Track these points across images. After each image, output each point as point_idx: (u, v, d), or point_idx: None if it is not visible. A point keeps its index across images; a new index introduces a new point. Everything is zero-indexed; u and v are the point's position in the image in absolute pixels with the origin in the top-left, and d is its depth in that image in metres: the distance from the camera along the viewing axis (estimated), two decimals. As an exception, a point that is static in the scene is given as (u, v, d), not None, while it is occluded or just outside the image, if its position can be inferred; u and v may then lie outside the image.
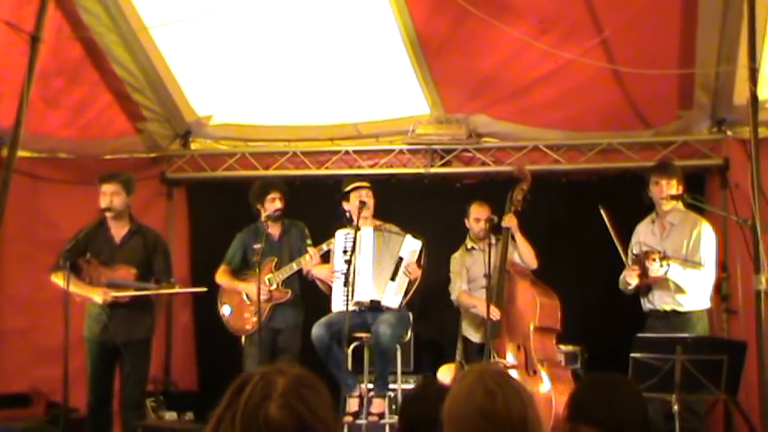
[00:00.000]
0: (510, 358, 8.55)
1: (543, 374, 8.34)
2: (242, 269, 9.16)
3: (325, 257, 8.90)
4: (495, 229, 8.90)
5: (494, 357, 8.50)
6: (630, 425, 3.84)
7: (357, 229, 8.59)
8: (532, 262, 8.88)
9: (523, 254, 8.86)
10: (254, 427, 2.42)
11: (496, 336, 8.59)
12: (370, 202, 8.82)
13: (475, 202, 9.11)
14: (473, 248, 9.00)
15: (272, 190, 9.04)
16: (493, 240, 8.80)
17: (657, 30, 8.52)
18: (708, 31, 8.31)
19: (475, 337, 8.96)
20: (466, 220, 9.09)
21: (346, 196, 8.89)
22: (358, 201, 8.72)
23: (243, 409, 2.44)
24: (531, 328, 8.59)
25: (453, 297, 9.11)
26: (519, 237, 8.84)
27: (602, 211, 8.24)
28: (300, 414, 2.45)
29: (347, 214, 8.79)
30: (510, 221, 8.83)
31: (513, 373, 8.31)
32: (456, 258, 9.23)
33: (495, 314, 8.57)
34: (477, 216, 9.00)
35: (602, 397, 3.95)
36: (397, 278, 8.62)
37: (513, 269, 8.83)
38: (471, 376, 3.30)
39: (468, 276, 8.98)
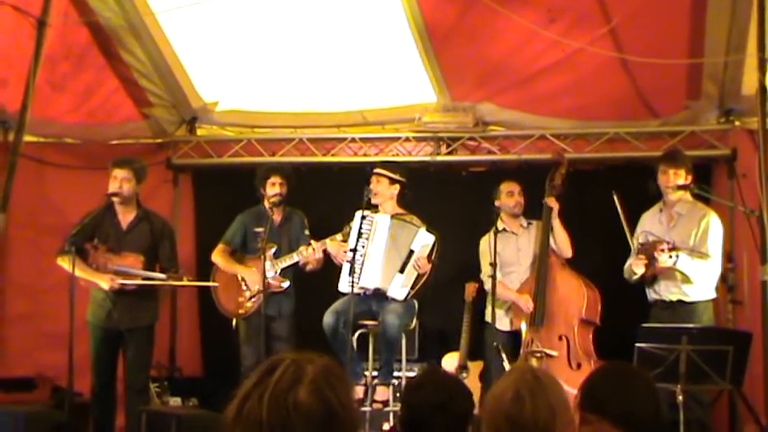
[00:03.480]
0: (551, 348, 8.50)
1: (590, 369, 8.03)
2: (240, 251, 9.17)
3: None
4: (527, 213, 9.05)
5: (537, 345, 8.47)
6: (645, 417, 3.83)
7: (364, 212, 8.70)
8: (568, 251, 8.87)
9: (560, 241, 8.84)
10: (282, 409, 2.46)
11: (540, 324, 8.57)
12: (380, 188, 8.83)
13: (504, 181, 9.16)
14: (504, 230, 8.92)
15: (274, 174, 9.05)
16: (514, 228, 8.82)
17: (666, 19, 8.49)
18: (717, 21, 8.28)
19: (505, 324, 8.88)
20: (496, 202, 9.05)
21: (368, 178, 8.93)
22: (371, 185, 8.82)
23: (273, 389, 2.48)
24: (577, 319, 8.58)
25: (487, 286, 8.96)
26: (557, 222, 8.83)
27: (615, 198, 8.22)
28: (329, 401, 2.49)
29: (367, 195, 8.79)
30: (553, 203, 8.83)
31: (555, 366, 8.32)
32: (486, 241, 9.06)
33: (529, 305, 8.58)
34: (510, 189, 9.01)
35: (618, 388, 3.94)
36: (406, 271, 8.61)
37: (554, 256, 8.82)
38: (511, 376, 3.30)
39: (499, 261, 8.74)
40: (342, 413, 2.52)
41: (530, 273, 8.92)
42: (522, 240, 9.02)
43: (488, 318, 9.00)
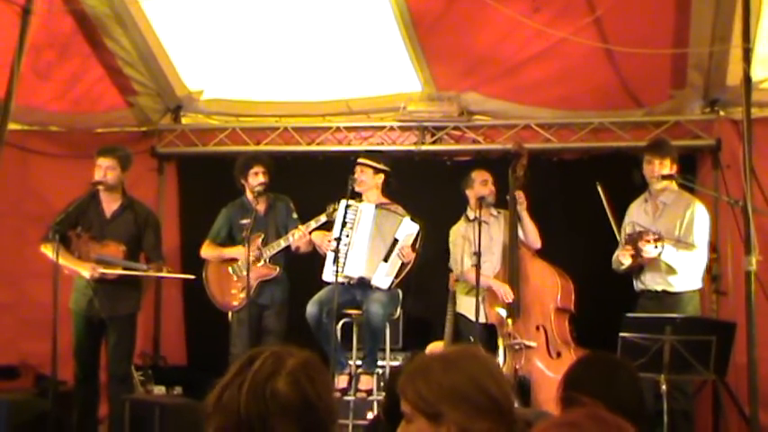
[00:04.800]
0: (529, 339, 8.48)
1: (570, 357, 8.10)
2: (227, 245, 9.18)
3: (325, 226, 8.89)
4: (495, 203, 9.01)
5: (515, 338, 8.46)
6: (629, 407, 3.83)
7: (348, 201, 8.67)
8: (537, 242, 8.87)
9: (528, 232, 8.83)
10: (260, 398, 2.54)
11: (517, 316, 8.56)
12: (364, 177, 8.83)
13: (474, 169, 9.13)
14: (475, 219, 8.91)
15: (256, 164, 9.04)
16: (485, 217, 8.79)
17: (651, 9, 8.50)
18: (702, 11, 8.29)
19: (480, 317, 8.78)
20: (467, 190, 9.05)
21: (353, 167, 8.93)
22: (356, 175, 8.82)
23: (251, 379, 2.56)
24: (552, 308, 8.56)
25: (458, 272, 9.05)
26: (525, 215, 8.82)
27: (599, 188, 8.23)
28: (306, 392, 2.58)
29: (352, 184, 8.78)
30: (521, 196, 8.80)
31: (534, 356, 8.37)
32: (457, 230, 9.16)
33: (510, 295, 8.57)
34: (485, 178, 8.98)
35: (601, 378, 3.95)
36: (390, 259, 8.62)
37: (524, 247, 8.81)
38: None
39: (471, 250, 8.78)
40: (319, 405, 2.58)
41: (501, 263, 8.93)
42: (494, 229, 9.02)
43: (462, 309, 9.05)
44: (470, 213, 9.07)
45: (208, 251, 9.19)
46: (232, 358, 8.77)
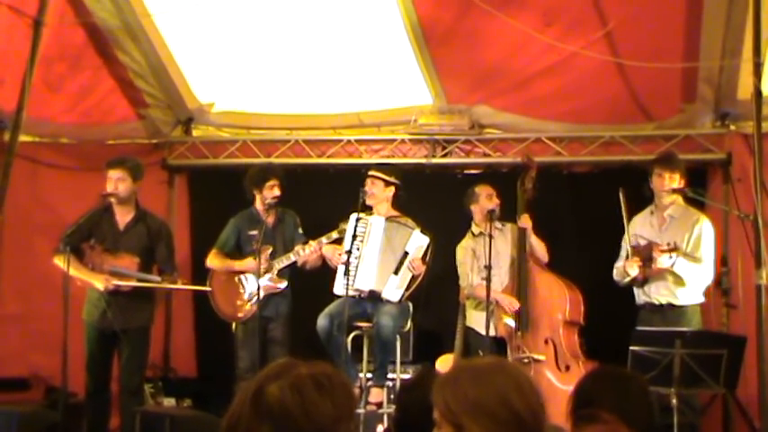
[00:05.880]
0: (538, 353, 8.46)
1: (578, 371, 8.10)
2: (234, 255, 9.16)
3: (335, 242, 8.89)
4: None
5: (524, 351, 8.45)
6: (639, 420, 3.83)
7: (359, 214, 8.68)
8: (544, 258, 8.86)
9: (536, 250, 8.81)
10: (245, 396, 2.54)
11: (525, 328, 8.54)
12: (375, 190, 8.83)
13: (478, 184, 9.13)
14: (481, 234, 8.90)
15: (272, 177, 9.01)
16: (492, 231, 8.76)
17: (661, 23, 8.50)
18: (712, 25, 8.29)
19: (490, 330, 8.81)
20: (472, 206, 9.06)
21: (364, 180, 8.94)
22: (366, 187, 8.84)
23: (254, 380, 2.56)
24: (561, 321, 8.52)
25: (467, 291, 9.03)
26: (533, 236, 8.80)
27: (621, 196, 8.24)
28: (291, 403, 2.52)
29: (362, 197, 8.78)
30: (526, 221, 8.77)
31: (543, 369, 8.34)
32: (464, 248, 9.13)
33: (515, 304, 8.55)
34: (490, 192, 8.98)
35: (612, 391, 3.95)
36: (401, 272, 8.61)
37: (532, 260, 8.78)
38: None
39: (479, 265, 8.81)
40: (301, 421, 2.51)
41: (509, 277, 8.91)
42: (500, 243, 8.96)
43: (472, 323, 9.05)
44: (475, 229, 9.07)
45: (215, 262, 9.16)
46: (240, 372, 8.77)
